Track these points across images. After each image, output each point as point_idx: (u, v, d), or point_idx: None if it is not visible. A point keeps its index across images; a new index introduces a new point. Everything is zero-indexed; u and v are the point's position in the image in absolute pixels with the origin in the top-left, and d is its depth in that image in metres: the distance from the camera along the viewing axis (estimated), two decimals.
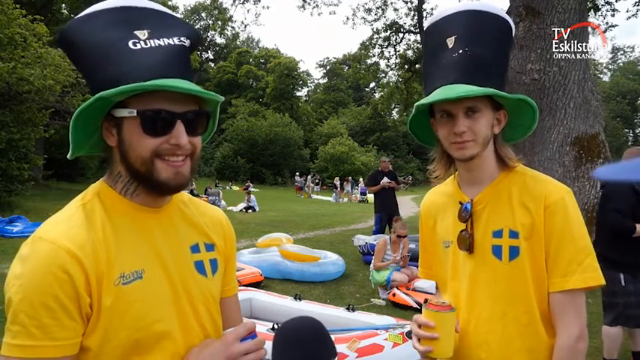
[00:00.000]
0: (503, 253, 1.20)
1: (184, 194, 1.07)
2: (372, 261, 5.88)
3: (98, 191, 0.94)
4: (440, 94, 1.13)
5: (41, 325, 0.78)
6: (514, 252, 1.19)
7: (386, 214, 8.10)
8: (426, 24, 1.31)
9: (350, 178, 30.05)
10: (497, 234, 1.21)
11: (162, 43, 0.88)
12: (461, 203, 1.28)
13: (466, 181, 1.30)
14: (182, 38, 0.91)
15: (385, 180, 8.26)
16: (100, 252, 0.85)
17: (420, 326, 1.20)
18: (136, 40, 0.87)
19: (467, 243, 1.24)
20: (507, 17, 1.21)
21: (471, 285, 1.24)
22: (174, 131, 0.87)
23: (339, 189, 26.97)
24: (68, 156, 0.95)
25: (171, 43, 0.89)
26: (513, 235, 1.19)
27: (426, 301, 1.22)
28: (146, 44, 0.87)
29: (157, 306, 0.89)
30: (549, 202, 1.17)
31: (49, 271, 0.79)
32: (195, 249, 1.01)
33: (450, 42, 1.18)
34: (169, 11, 0.97)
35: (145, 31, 0.89)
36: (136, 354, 0.87)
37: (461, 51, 1.15)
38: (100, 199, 0.92)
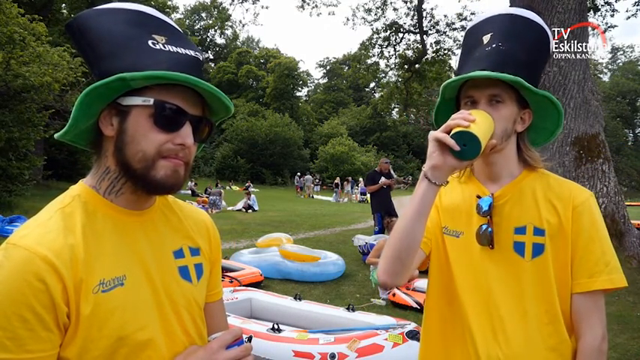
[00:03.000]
0: (526, 250, 1.18)
1: (169, 196, 1.03)
2: (369, 257, 5.84)
3: (79, 193, 0.89)
4: (467, 74, 1.13)
5: (15, 336, 0.74)
6: (538, 249, 1.17)
7: (384, 212, 8.11)
8: (468, 25, 1.32)
9: (350, 178, 30.06)
10: (520, 230, 1.20)
11: (180, 51, 0.89)
12: (478, 196, 1.25)
13: (485, 176, 1.28)
14: (197, 52, 0.92)
15: (383, 179, 8.28)
16: (78, 258, 0.81)
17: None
18: (155, 42, 0.87)
19: (488, 238, 1.21)
20: (545, 27, 1.22)
21: (489, 281, 1.21)
22: (182, 130, 0.86)
23: (340, 189, 26.99)
24: (56, 135, 0.90)
25: (188, 53, 0.90)
26: (538, 232, 1.18)
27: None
28: (165, 47, 0.88)
29: (138, 313, 0.86)
30: (577, 203, 1.17)
31: (24, 280, 0.75)
32: (179, 254, 0.98)
33: (486, 39, 1.19)
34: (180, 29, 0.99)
35: (163, 37, 0.89)
36: None
37: (494, 45, 1.16)
38: (81, 202, 0.88)
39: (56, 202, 0.89)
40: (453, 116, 1.11)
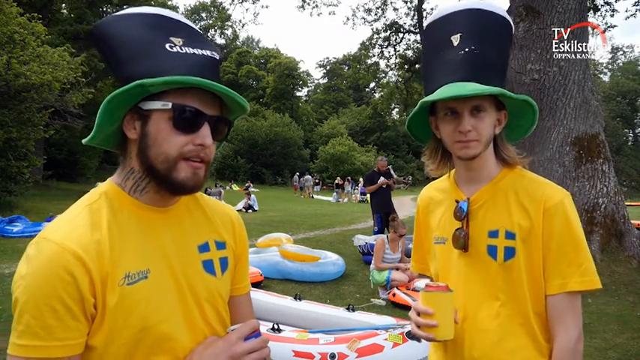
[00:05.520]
0: (498, 254, 1.20)
1: (198, 194, 1.07)
2: (373, 262, 5.88)
3: (105, 191, 0.94)
4: (449, 91, 1.12)
5: (45, 325, 0.79)
6: (509, 253, 1.18)
7: (384, 212, 8.10)
8: (426, 22, 1.31)
9: (350, 178, 30.06)
10: (493, 234, 1.21)
11: (196, 52, 0.92)
12: (457, 201, 1.28)
13: (464, 179, 1.30)
14: (214, 52, 0.95)
15: (382, 179, 8.28)
16: (104, 253, 0.85)
17: (418, 314, 1.19)
18: (172, 45, 0.90)
19: (462, 242, 1.24)
20: (508, 16, 1.21)
21: (465, 284, 1.24)
22: (201, 131, 0.89)
23: (340, 189, 27.00)
24: (84, 141, 0.95)
25: (205, 54, 0.93)
26: (510, 236, 1.19)
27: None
28: (182, 50, 0.90)
29: (162, 306, 0.90)
30: (549, 205, 1.17)
31: (53, 273, 0.80)
32: (204, 248, 1.01)
33: (455, 40, 1.17)
34: (198, 29, 1.01)
35: (180, 39, 0.92)
36: (140, 353, 0.87)
37: (467, 49, 1.15)
38: (107, 199, 0.92)
39: (85, 199, 0.93)
40: (413, 319, 1.20)
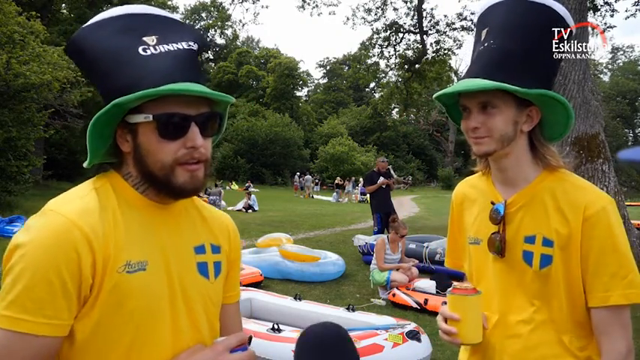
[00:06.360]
0: (534, 261, 1.15)
1: (195, 198, 1.06)
2: (374, 262, 5.87)
3: (110, 179, 0.94)
4: (447, 89, 1.12)
5: (37, 298, 0.77)
6: (546, 260, 1.13)
7: (383, 213, 8.10)
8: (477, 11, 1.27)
9: (352, 177, 30.05)
10: (530, 240, 1.16)
11: (171, 49, 0.89)
12: (492, 203, 1.22)
13: (500, 181, 1.24)
14: (190, 42, 0.92)
15: (382, 179, 8.28)
16: (109, 236, 0.85)
17: (446, 320, 1.17)
18: (146, 47, 0.88)
19: (498, 246, 1.19)
20: (555, 6, 1.13)
21: (500, 288, 1.20)
22: (189, 134, 0.88)
23: (340, 189, 26.99)
24: (85, 164, 0.95)
25: (180, 47, 0.90)
26: (547, 243, 1.14)
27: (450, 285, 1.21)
28: (156, 50, 0.88)
29: (152, 300, 0.89)
30: (589, 214, 1.10)
31: (59, 246, 0.79)
32: (200, 250, 1.00)
33: (484, 34, 1.15)
34: (173, 16, 0.98)
35: (153, 37, 0.90)
36: (122, 349, 0.85)
37: (486, 44, 1.12)
38: (112, 186, 0.92)
39: (89, 182, 0.93)
40: (440, 326, 1.19)
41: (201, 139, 0.89)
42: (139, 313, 0.86)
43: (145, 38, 0.89)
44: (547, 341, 1.15)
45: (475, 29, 1.23)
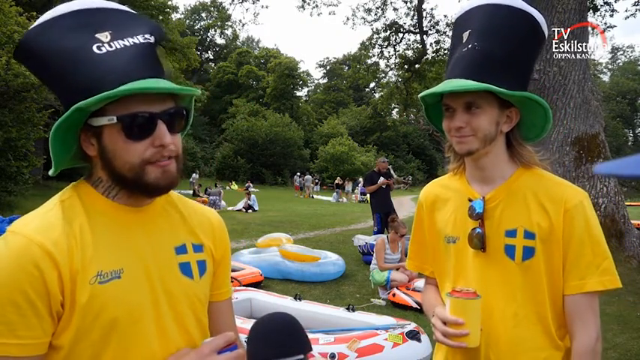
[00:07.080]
0: (517, 253, 1.18)
1: (173, 193, 1.03)
2: (374, 262, 5.87)
3: (78, 189, 0.91)
4: (435, 88, 1.13)
5: (7, 321, 0.76)
6: (528, 252, 1.18)
7: (383, 213, 8.10)
8: (454, 15, 1.30)
9: (354, 177, 30.05)
10: (511, 233, 1.20)
11: (127, 44, 0.86)
12: (470, 200, 1.25)
13: (476, 179, 1.28)
14: (146, 35, 0.88)
15: (382, 179, 8.28)
16: (75, 249, 0.82)
17: (445, 323, 1.17)
18: (100, 44, 0.84)
19: (479, 241, 1.22)
20: (534, 12, 1.17)
21: (482, 284, 1.22)
22: (156, 132, 0.85)
23: (340, 189, 26.99)
24: (50, 172, 0.93)
25: (137, 42, 0.86)
26: (529, 235, 1.18)
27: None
28: (111, 47, 0.85)
29: (133, 307, 0.86)
30: (569, 206, 1.16)
31: (19, 265, 0.77)
32: (181, 250, 0.97)
33: (465, 36, 1.17)
34: (126, 8, 0.94)
35: (107, 33, 0.86)
36: (108, 355, 0.84)
37: (470, 45, 1.14)
38: (80, 197, 0.90)
39: (57, 196, 0.91)
40: (440, 328, 1.18)
41: (169, 136, 0.86)
42: (120, 321, 0.84)
43: (98, 35, 0.85)
44: (531, 335, 1.18)
45: (453, 31, 1.25)
